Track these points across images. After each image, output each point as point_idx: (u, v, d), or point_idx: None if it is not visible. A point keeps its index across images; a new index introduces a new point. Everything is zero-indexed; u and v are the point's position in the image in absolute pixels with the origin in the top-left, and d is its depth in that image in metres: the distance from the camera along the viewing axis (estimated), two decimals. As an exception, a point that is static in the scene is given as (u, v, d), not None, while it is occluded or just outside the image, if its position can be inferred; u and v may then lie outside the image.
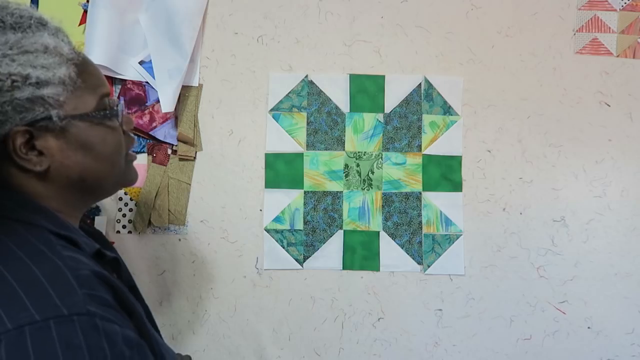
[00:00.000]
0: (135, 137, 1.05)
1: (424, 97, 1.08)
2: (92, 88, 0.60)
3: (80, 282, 0.50)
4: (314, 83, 1.08)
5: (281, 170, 1.07)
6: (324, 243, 1.07)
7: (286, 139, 1.08)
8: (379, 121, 1.08)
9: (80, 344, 0.47)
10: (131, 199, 1.06)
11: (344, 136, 1.08)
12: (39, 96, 0.54)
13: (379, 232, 1.07)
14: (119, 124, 0.64)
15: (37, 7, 1.06)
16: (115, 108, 0.62)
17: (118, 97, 1.06)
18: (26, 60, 0.53)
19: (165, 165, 1.07)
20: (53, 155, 0.57)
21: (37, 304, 0.47)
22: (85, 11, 1.05)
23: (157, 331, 0.72)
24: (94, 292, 0.51)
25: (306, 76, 1.08)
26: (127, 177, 0.68)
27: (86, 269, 0.52)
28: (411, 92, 1.08)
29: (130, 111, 1.06)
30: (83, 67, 0.60)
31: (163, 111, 1.04)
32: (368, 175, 1.07)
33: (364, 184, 1.07)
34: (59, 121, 0.56)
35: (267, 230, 1.07)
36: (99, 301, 0.50)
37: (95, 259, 0.58)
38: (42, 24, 0.57)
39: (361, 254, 1.06)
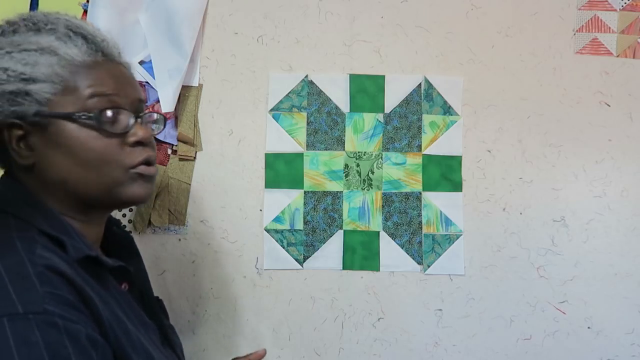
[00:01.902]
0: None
1: (424, 97, 1.08)
2: (82, 90, 0.58)
3: (42, 279, 0.50)
4: (314, 83, 1.08)
5: (281, 170, 1.07)
6: (324, 243, 1.07)
7: (286, 139, 1.08)
8: (379, 121, 1.08)
9: (38, 340, 0.46)
10: (131, 199, 1.06)
11: (344, 136, 1.08)
12: (25, 91, 0.56)
13: (379, 232, 1.07)
14: (118, 133, 0.59)
15: (37, 7, 1.06)
16: (110, 113, 0.59)
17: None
18: (20, 57, 0.56)
19: (165, 165, 1.07)
20: (37, 152, 0.58)
21: None
22: (85, 11, 1.05)
23: (171, 345, 0.71)
24: (56, 290, 0.50)
25: (306, 76, 1.08)
26: (126, 193, 0.61)
27: (47, 265, 0.51)
28: (411, 92, 1.08)
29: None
30: (80, 69, 0.59)
31: (163, 111, 1.04)
32: (368, 175, 1.07)
33: (364, 184, 1.07)
34: (41, 118, 0.57)
35: (267, 230, 1.07)
36: (60, 300, 0.49)
37: (88, 263, 0.57)
38: (53, 28, 0.59)
39: (361, 254, 1.06)
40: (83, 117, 0.57)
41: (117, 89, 0.60)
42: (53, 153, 0.58)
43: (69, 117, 0.57)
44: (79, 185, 0.59)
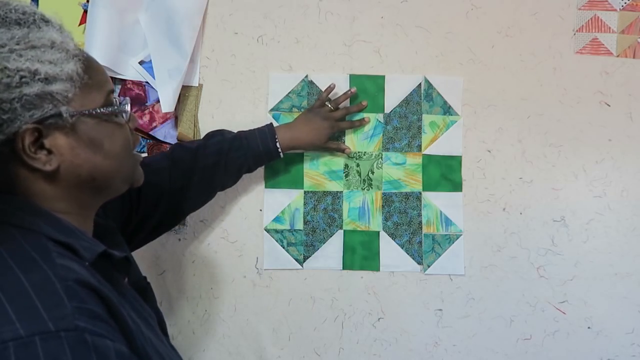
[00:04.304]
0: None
1: (424, 97, 1.08)
2: (98, 84, 0.58)
3: (70, 294, 0.48)
4: (314, 83, 1.08)
5: (281, 170, 1.07)
6: (324, 243, 1.07)
7: (286, 139, 1.07)
8: (379, 121, 1.08)
9: None
10: (131, 199, 1.06)
11: (344, 136, 1.08)
12: (47, 92, 0.52)
13: (379, 232, 1.07)
14: (126, 121, 0.62)
15: (37, 6, 1.06)
16: (123, 105, 0.61)
17: (118, 96, 1.05)
18: (34, 55, 0.51)
19: (165, 165, 1.07)
20: (62, 153, 0.55)
21: (23, 317, 0.46)
22: (85, 11, 1.05)
23: (166, 335, 0.71)
24: (84, 304, 0.48)
25: (306, 76, 1.08)
26: (136, 176, 0.66)
27: (77, 279, 0.50)
28: (411, 92, 1.08)
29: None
30: (88, 63, 0.58)
31: (163, 111, 1.04)
32: (368, 175, 1.07)
33: (364, 184, 1.07)
34: (69, 118, 0.54)
35: (267, 230, 1.07)
36: (89, 314, 0.48)
37: (98, 262, 0.56)
38: (44, 20, 0.55)
39: (361, 254, 1.06)
40: (109, 111, 0.58)
41: (109, 78, 0.62)
42: (84, 151, 0.56)
43: (101, 113, 0.57)
44: (108, 179, 0.60)
